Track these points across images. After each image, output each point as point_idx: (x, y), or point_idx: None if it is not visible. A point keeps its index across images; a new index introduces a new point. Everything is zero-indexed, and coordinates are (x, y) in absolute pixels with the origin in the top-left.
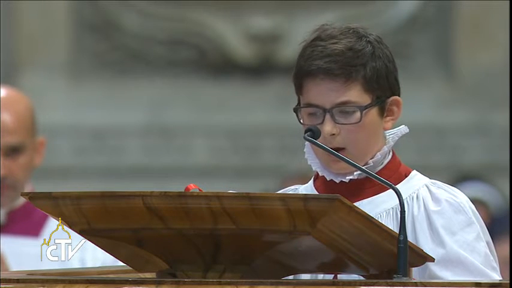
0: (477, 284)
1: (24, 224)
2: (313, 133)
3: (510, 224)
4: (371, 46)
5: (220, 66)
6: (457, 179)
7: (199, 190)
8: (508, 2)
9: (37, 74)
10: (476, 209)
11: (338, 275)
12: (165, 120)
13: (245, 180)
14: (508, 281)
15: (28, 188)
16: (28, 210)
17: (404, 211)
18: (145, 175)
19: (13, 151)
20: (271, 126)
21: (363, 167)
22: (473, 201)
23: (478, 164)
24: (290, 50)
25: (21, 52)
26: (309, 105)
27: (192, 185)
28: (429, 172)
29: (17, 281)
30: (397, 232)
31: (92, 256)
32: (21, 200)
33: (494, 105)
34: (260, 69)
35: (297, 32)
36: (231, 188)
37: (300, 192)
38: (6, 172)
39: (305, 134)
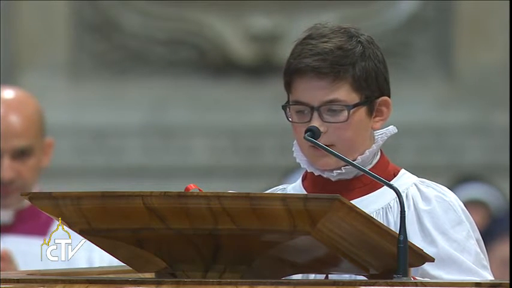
0: (477, 284)
1: (32, 224)
2: (313, 133)
3: (510, 224)
4: (361, 46)
5: (220, 66)
6: (457, 179)
7: (199, 190)
8: (508, 2)
9: (37, 74)
10: (477, 209)
11: (338, 275)
12: (165, 120)
13: (245, 180)
14: (508, 281)
15: (36, 190)
16: (36, 210)
17: (405, 211)
18: (145, 175)
19: (22, 154)
20: (271, 126)
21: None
22: (474, 201)
23: (478, 164)
24: (290, 50)
25: (21, 52)
26: (297, 102)
27: (192, 185)
28: (429, 172)
29: (17, 281)
30: (397, 232)
31: (99, 256)
32: None
33: (494, 105)
34: (260, 69)
35: (297, 32)
36: (231, 188)
37: (288, 192)
38: (15, 175)
39: (305, 134)
